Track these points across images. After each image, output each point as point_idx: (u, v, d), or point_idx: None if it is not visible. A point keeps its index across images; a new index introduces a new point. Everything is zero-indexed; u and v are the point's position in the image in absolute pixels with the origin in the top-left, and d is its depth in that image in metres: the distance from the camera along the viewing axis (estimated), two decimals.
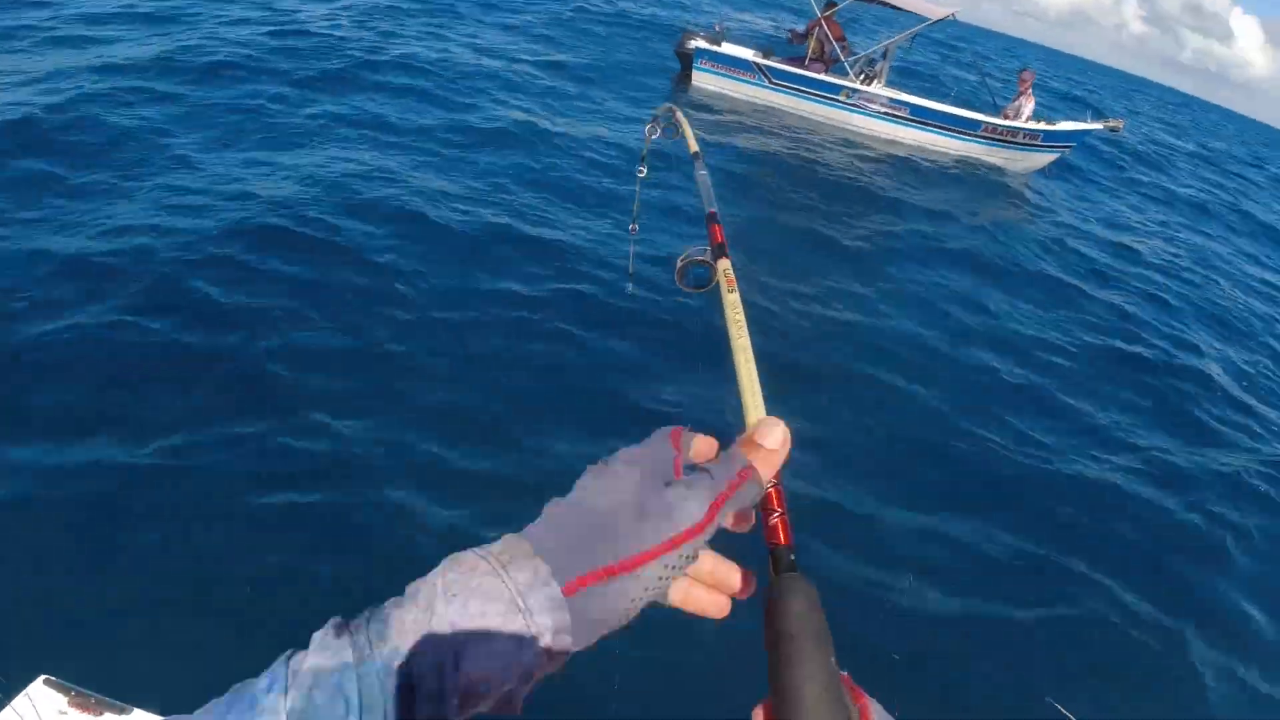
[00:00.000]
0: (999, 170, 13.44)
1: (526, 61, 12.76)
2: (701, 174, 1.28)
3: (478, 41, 13.38)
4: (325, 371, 4.59)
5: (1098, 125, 13.28)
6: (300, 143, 7.69)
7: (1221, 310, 10.22)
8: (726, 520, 0.59)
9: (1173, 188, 18.26)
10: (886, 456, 5.19)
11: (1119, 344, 8.02)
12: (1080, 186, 15.12)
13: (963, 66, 22.14)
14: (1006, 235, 10.52)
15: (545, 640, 0.52)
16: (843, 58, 13.32)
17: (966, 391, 6.28)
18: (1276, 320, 10.76)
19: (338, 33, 11.53)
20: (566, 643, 0.53)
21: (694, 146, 1.52)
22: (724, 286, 0.85)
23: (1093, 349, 7.71)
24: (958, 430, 5.68)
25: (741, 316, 0.77)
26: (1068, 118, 14.42)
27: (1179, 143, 30.76)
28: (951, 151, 13.43)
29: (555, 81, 12.08)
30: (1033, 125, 13.26)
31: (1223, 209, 17.83)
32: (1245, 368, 8.53)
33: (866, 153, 12.68)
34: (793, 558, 0.58)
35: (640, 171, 1.91)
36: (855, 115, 13.43)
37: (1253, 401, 7.67)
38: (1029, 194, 13.15)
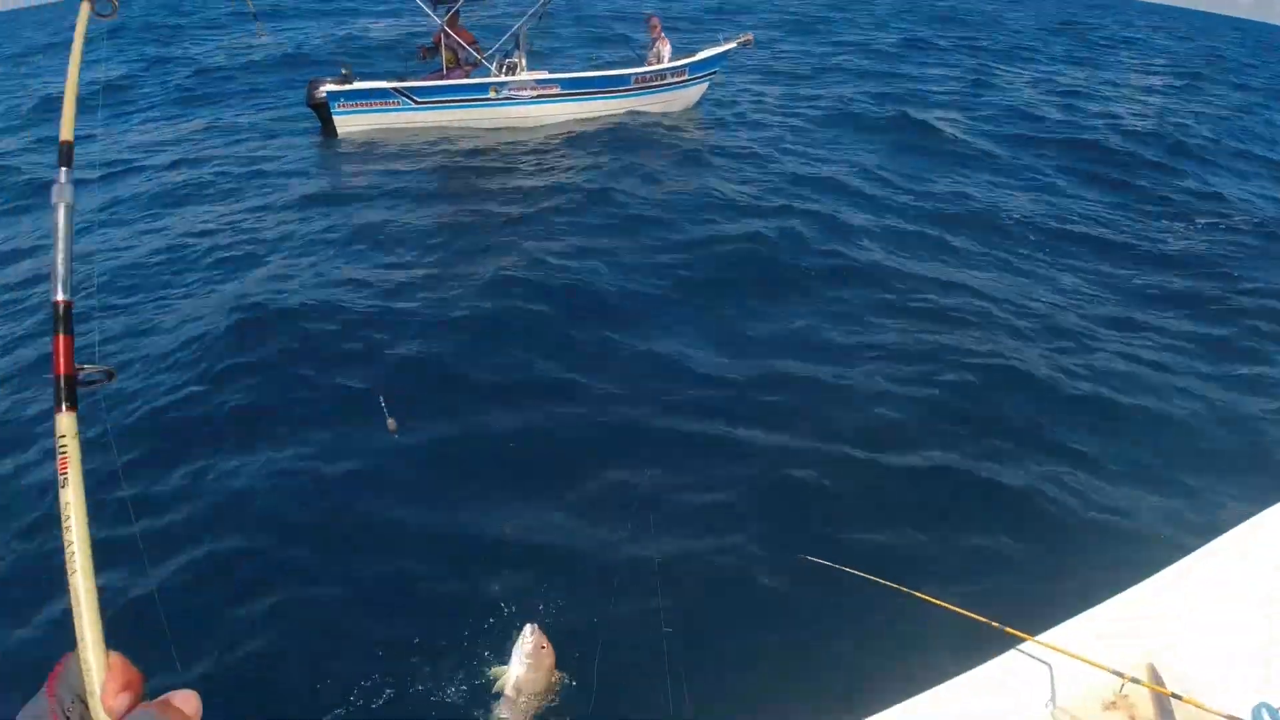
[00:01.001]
0: (661, 117, 13.79)
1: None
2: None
3: None
4: None
5: (732, 44, 13.94)
6: None
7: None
8: None
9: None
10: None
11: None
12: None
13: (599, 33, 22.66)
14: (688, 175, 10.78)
15: None
16: (481, 59, 13.05)
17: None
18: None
19: None
20: None
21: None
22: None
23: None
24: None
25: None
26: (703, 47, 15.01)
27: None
28: (612, 112, 13.58)
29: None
30: (677, 63, 13.71)
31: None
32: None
33: (533, 139, 12.53)
34: None
35: None
36: (511, 108, 13.22)
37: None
38: (690, 132, 13.64)
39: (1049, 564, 4.18)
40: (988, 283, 7.72)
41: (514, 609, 3.79)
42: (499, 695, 3.35)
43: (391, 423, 4.38)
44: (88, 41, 1.35)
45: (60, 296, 0.97)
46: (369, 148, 12.32)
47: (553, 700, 3.36)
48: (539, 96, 13.26)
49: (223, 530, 4.34)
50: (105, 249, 8.48)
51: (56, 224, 1.04)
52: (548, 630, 3.42)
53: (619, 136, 12.72)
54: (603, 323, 6.61)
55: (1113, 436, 5.36)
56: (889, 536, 4.35)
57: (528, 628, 3.44)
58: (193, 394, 5.60)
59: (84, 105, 1.23)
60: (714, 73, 14.29)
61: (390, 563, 4.13)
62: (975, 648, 2.58)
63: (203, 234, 8.86)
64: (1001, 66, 21.32)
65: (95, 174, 10.27)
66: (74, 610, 0.73)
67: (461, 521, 4.40)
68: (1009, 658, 2.48)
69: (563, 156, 11.80)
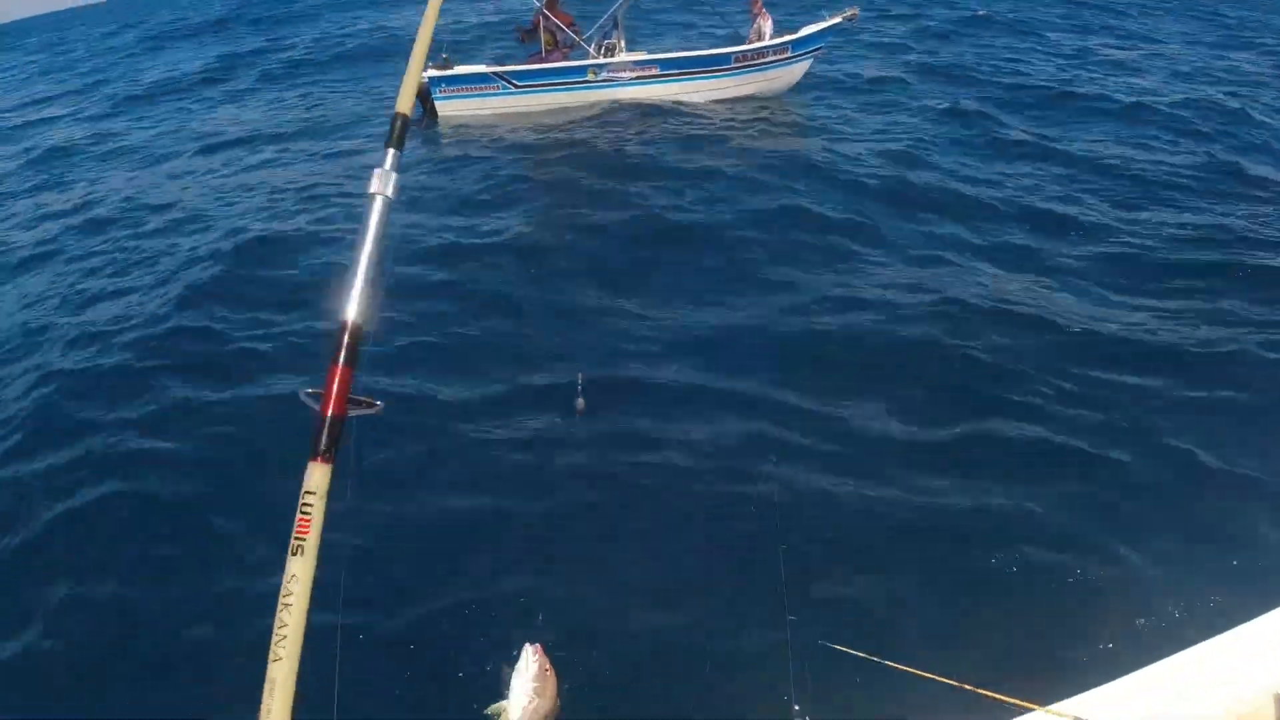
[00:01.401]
0: (764, 98, 13.35)
1: None
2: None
3: None
4: None
5: (836, 20, 13.35)
6: None
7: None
8: None
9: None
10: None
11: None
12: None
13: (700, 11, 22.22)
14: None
15: None
16: (579, 40, 12.94)
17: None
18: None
19: None
20: None
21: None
22: None
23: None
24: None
25: None
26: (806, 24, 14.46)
27: None
28: (712, 94, 13.23)
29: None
30: (778, 40, 13.25)
31: None
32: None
33: (633, 124, 12.31)
34: None
35: None
36: (609, 90, 13.05)
37: None
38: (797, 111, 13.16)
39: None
40: None
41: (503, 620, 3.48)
42: None
43: (581, 403, 4.17)
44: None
45: (351, 316, 0.80)
46: (469, 131, 12.39)
47: None
48: (638, 78, 13.05)
49: None
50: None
51: (369, 222, 0.88)
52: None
53: (720, 117, 12.39)
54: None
55: None
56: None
57: (528, 649, 3.01)
58: None
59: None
60: (818, 49, 13.73)
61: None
62: None
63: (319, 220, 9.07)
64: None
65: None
66: (264, 704, 0.62)
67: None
68: None
69: (662, 138, 11.55)
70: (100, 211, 10.12)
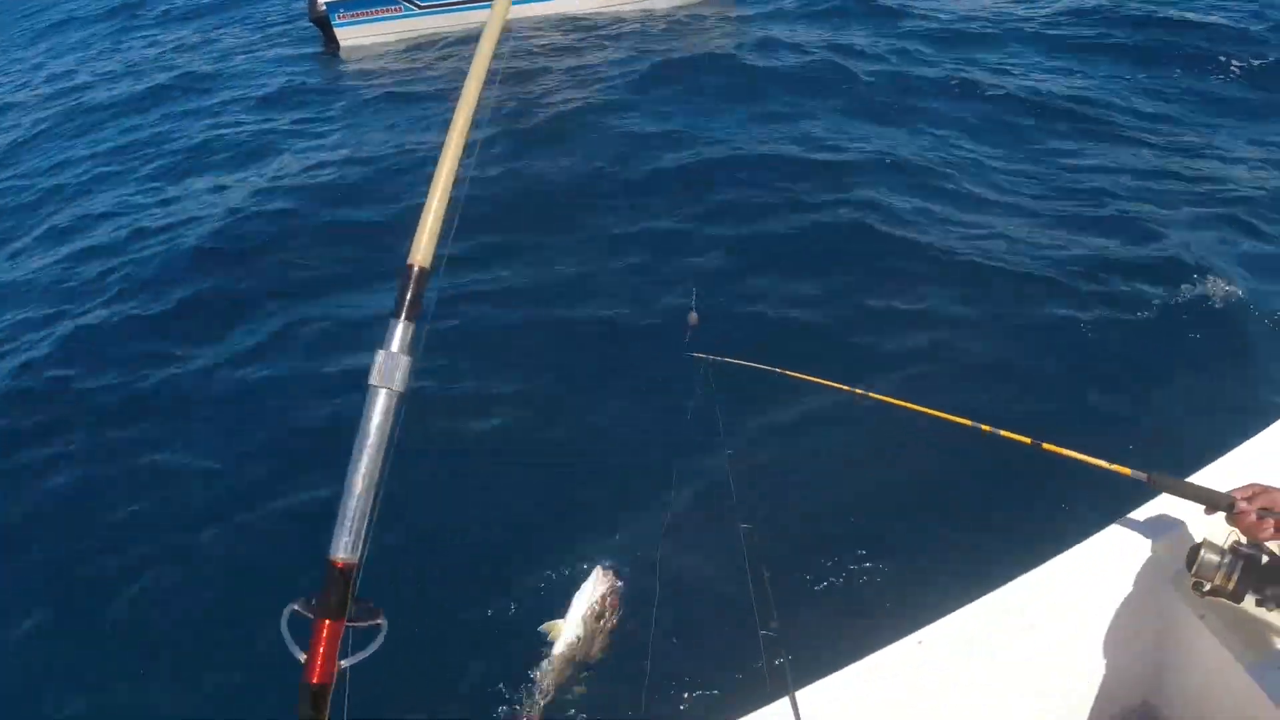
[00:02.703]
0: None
1: None
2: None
3: None
4: None
5: None
6: None
7: None
8: None
9: None
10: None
11: None
12: None
13: None
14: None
15: None
16: None
17: None
18: None
19: None
20: None
21: None
22: None
23: None
24: None
25: None
26: None
27: None
28: (627, 5, 12.53)
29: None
30: None
31: None
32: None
33: (541, 38, 11.64)
34: None
35: None
36: (518, 6, 12.29)
37: None
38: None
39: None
40: None
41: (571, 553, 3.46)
42: (549, 655, 2.90)
43: (693, 316, 3.73)
44: None
45: (343, 555, 0.77)
46: (375, 62, 11.65)
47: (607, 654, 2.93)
48: None
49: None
50: None
51: (368, 426, 0.80)
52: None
53: (635, 33, 11.73)
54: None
55: None
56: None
57: (598, 570, 2.94)
58: None
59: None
60: None
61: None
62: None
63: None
64: None
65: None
66: None
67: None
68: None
69: (575, 56, 10.97)
70: None
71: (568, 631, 2.85)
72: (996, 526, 3.46)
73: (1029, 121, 7.58)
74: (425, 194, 0.98)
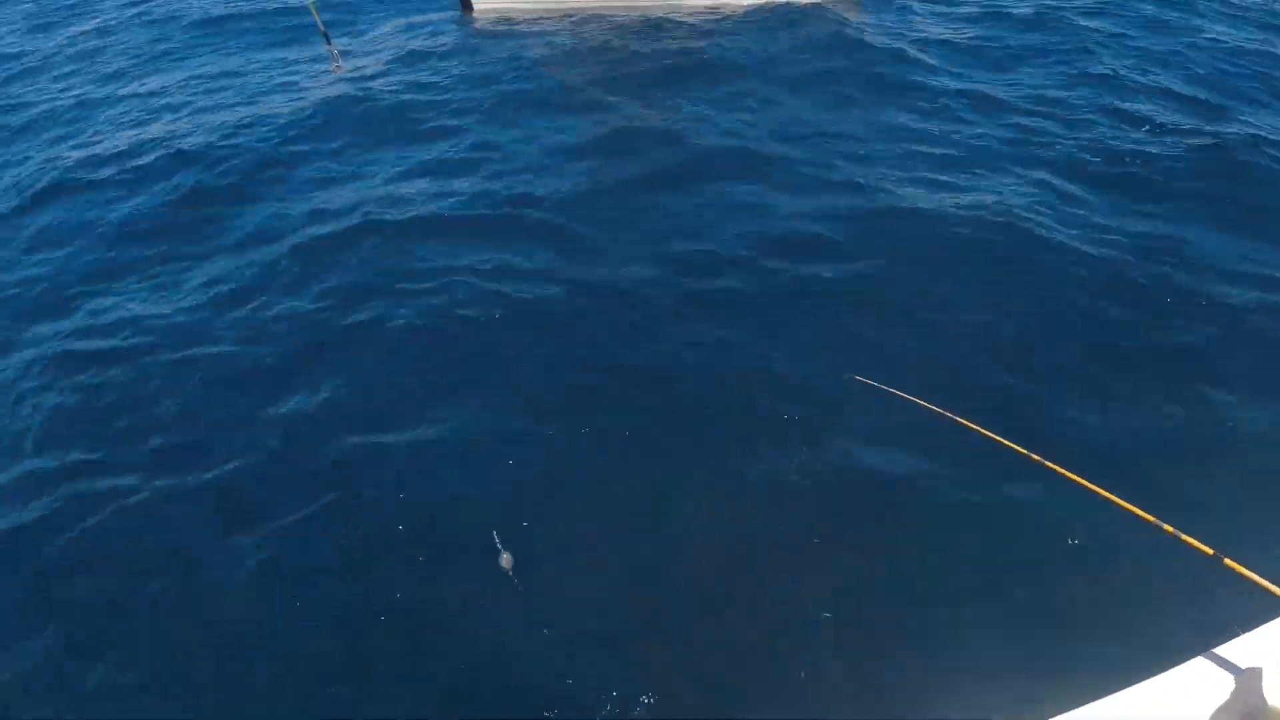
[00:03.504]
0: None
1: None
2: None
3: None
4: None
5: None
6: None
7: None
8: None
9: None
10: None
11: None
12: None
13: None
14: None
15: None
16: None
17: None
18: None
19: None
20: None
21: None
22: None
23: None
24: None
25: None
26: None
27: None
28: None
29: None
30: None
31: None
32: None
33: (679, 19, 11.73)
34: None
35: None
36: None
37: None
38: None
39: None
40: None
41: None
42: None
43: (506, 558, 4.05)
44: None
45: None
46: (508, 29, 11.97)
47: None
48: None
49: None
50: None
51: None
52: None
53: (775, 18, 11.78)
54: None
55: None
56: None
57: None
58: None
59: None
60: None
61: None
62: None
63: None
64: None
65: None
66: None
67: None
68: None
69: (711, 38, 11.12)
70: None
71: None
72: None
73: None
74: None
